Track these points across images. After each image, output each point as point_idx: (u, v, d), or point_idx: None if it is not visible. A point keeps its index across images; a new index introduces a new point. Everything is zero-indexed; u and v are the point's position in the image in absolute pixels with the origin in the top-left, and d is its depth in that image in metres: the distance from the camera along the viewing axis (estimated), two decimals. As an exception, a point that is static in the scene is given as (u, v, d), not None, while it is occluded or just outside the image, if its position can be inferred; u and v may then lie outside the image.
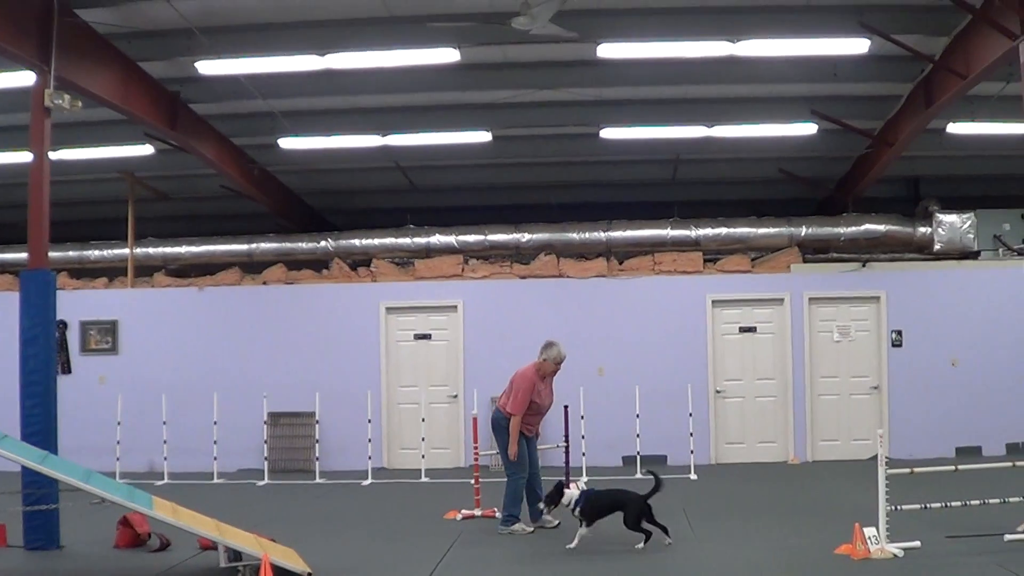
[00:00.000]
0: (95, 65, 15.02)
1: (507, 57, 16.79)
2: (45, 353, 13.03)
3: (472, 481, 15.03)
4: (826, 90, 18.17)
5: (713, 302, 20.68)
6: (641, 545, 11.94)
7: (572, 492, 12.49)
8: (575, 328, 20.26)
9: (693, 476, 18.16)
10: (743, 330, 20.74)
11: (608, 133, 19.88)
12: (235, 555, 10.45)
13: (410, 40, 15.42)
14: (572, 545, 12.15)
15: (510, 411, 13.53)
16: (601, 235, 21.70)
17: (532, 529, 13.47)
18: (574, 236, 21.77)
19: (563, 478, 14.49)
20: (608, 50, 15.72)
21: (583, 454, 18.48)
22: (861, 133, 19.29)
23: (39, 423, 12.71)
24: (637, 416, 18.80)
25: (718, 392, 20.51)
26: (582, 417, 18.48)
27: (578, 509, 12.25)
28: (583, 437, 18.50)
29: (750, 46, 15.47)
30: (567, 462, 16.38)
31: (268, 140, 20.19)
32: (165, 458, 19.34)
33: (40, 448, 11.76)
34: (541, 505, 13.24)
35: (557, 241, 21.78)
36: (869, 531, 11.19)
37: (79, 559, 12.25)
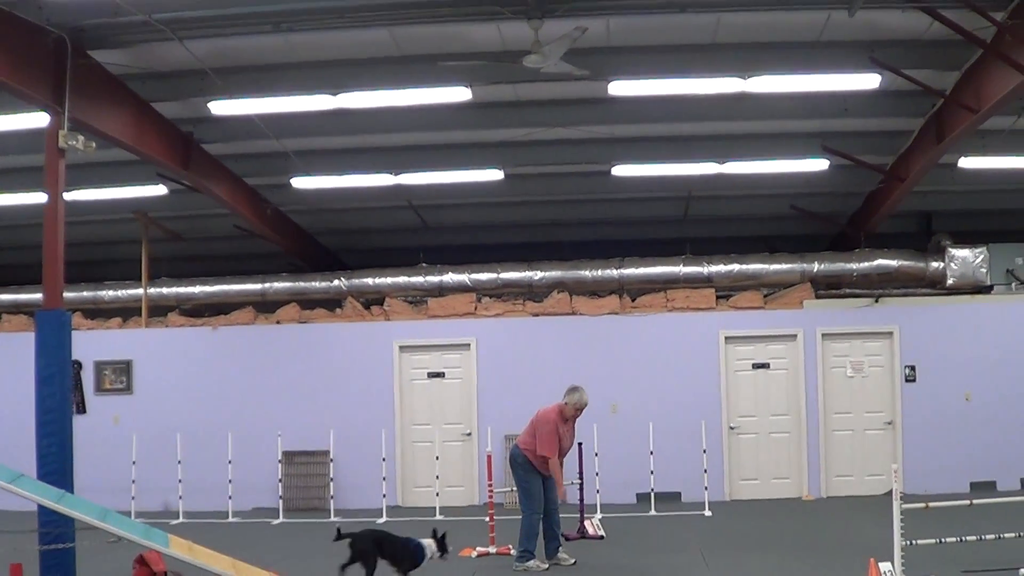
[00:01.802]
0: (108, 106, 15.10)
1: (519, 95, 16.86)
2: (61, 393, 13.06)
3: (487, 519, 15.01)
4: (837, 126, 18.19)
5: (726, 338, 20.68)
6: None
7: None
8: (588, 365, 20.26)
9: (708, 512, 18.12)
10: (756, 366, 20.72)
11: (620, 170, 19.90)
12: (251, 593, 10.46)
13: (422, 79, 15.47)
14: None
15: (543, 454, 13.67)
16: (613, 272, 21.70)
17: (547, 566, 13.48)
18: (586, 274, 21.76)
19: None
20: (619, 87, 15.77)
21: (597, 491, 18.45)
22: (873, 168, 19.30)
23: (55, 462, 12.72)
24: (651, 453, 18.77)
25: (732, 428, 20.47)
26: (596, 454, 18.46)
27: None
28: (597, 474, 18.49)
29: (761, 82, 15.51)
30: (581, 499, 16.40)
31: (281, 180, 20.24)
32: (180, 497, 19.35)
33: (56, 487, 11.78)
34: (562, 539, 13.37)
35: (569, 279, 21.78)
36: (884, 566, 11.16)
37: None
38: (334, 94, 15.80)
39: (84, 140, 13.75)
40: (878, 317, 20.64)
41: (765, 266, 21.39)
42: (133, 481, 19.25)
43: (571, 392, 14.04)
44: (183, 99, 16.50)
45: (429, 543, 12.27)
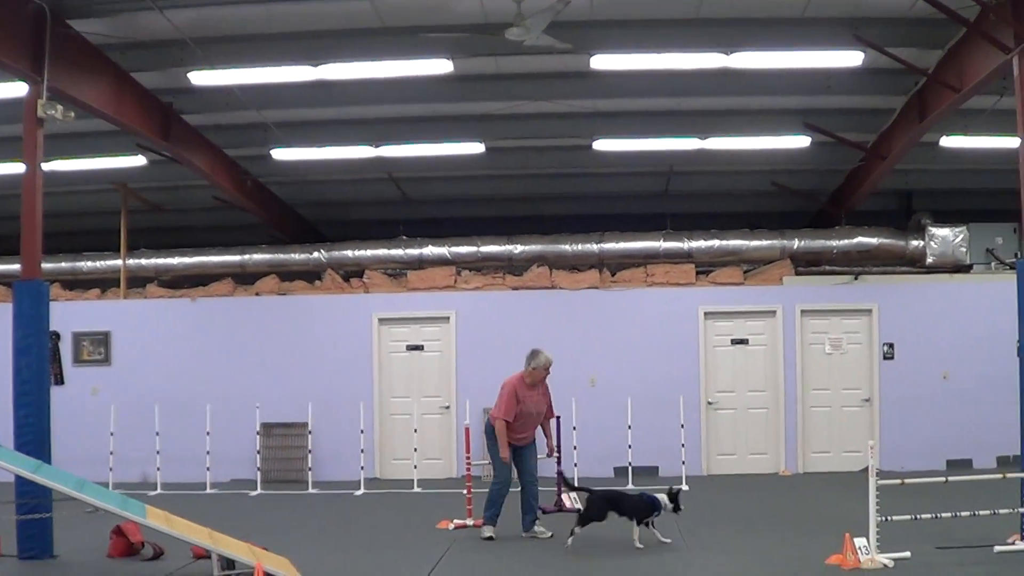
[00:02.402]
0: (88, 76, 14.99)
1: (500, 68, 16.81)
2: (38, 364, 13.02)
3: (464, 491, 15.02)
4: (819, 103, 18.21)
5: (705, 314, 20.69)
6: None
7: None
8: (567, 339, 20.25)
9: (685, 487, 18.13)
10: (735, 342, 20.75)
11: (601, 145, 19.89)
12: (228, 564, 10.45)
13: (403, 51, 15.40)
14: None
15: (494, 415, 13.77)
16: (594, 247, 21.71)
17: (492, 535, 13.66)
18: (567, 248, 21.77)
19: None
20: (602, 62, 15.73)
21: (575, 465, 18.46)
22: (854, 146, 19.33)
23: (32, 433, 12.69)
24: (629, 427, 18.83)
25: (710, 404, 20.52)
26: (574, 428, 18.48)
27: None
28: (575, 448, 18.51)
29: (744, 58, 15.51)
30: (559, 472, 16.39)
31: (261, 151, 20.17)
32: (158, 468, 19.33)
33: (34, 458, 11.75)
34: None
35: (550, 252, 21.78)
36: (859, 541, 11.24)
37: (73, 568, 12.24)
38: (315, 65, 15.74)
39: (63, 110, 13.67)
40: (857, 295, 20.69)
41: (745, 242, 21.42)
42: (111, 452, 19.20)
43: (533, 357, 14.05)
44: (163, 69, 16.40)
45: (663, 498, 13.04)
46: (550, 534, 13.62)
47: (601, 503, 12.90)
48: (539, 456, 14.41)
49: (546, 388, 14.34)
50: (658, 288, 21.00)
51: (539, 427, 14.41)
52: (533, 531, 13.75)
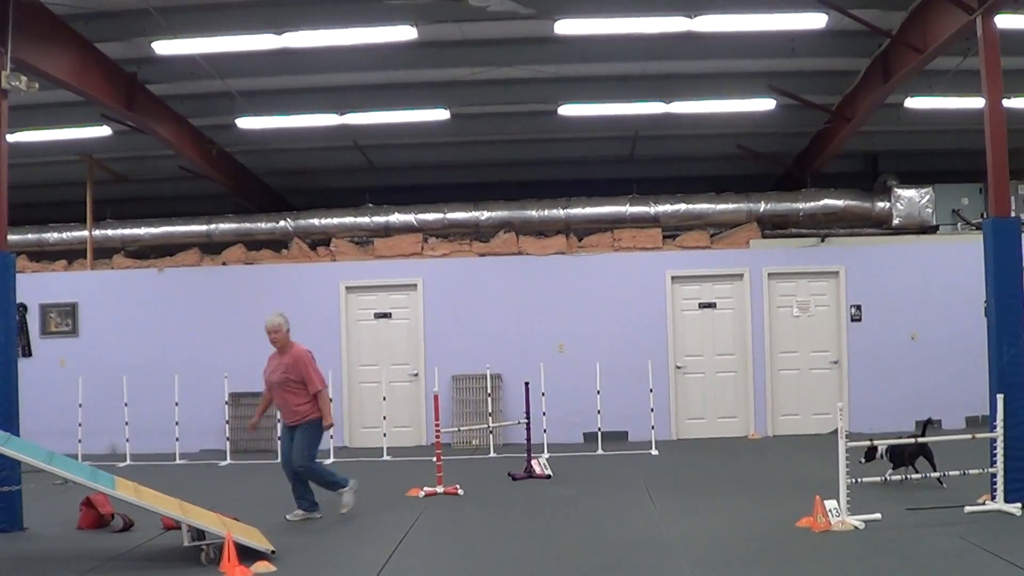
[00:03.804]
0: (51, 46, 14.91)
1: (464, 34, 16.75)
2: (4, 336, 12.95)
3: (434, 459, 15.03)
4: (784, 65, 18.21)
5: (673, 278, 20.74)
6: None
7: (881, 446, 13.98)
8: (535, 305, 20.39)
9: (654, 452, 18.25)
10: (703, 306, 20.82)
11: (566, 110, 19.85)
12: (199, 534, 10.46)
13: (367, 18, 15.36)
14: None
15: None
16: (560, 212, 21.73)
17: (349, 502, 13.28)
18: (533, 214, 21.79)
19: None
20: (566, 26, 15.70)
21: (544, 431, 18.56)
22: (819, 108, 19.37)
23: (0, 406, 12.64)
24: (598, 392, 18.89)
25: (678, 368, 20.59)
26: (543, 394, 18.59)
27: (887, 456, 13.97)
28: (544, 414, 18.60)
29: (708, 21, 15.50)
30: (528, 439, 16.46)
31: (226, 120, 20.06)
32: (127, 440, 19.30)
33: (1, 431, 11.71)
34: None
35: (516, 219, 21.80)
36: (830, 504, 11.31)
37: (42, 541, 12.21)
38: (279, 33, 15.67)
39: (27, 81, 13.57)
40: (824, 257, 20.77)
41: (712, 206, 21.48)
42: (79, 424, 19.19)
43: None
44: (127, 39, 16.31)
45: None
46: (303, 516, 13.07)
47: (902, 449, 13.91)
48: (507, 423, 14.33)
49: (293, 358, 13.47)
50: (625, 253, 21.04)
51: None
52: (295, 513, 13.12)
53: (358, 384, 20.99)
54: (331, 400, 13.83)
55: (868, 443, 13.55)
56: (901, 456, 13.69)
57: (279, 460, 13.61)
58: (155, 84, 18.25)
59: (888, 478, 12.91)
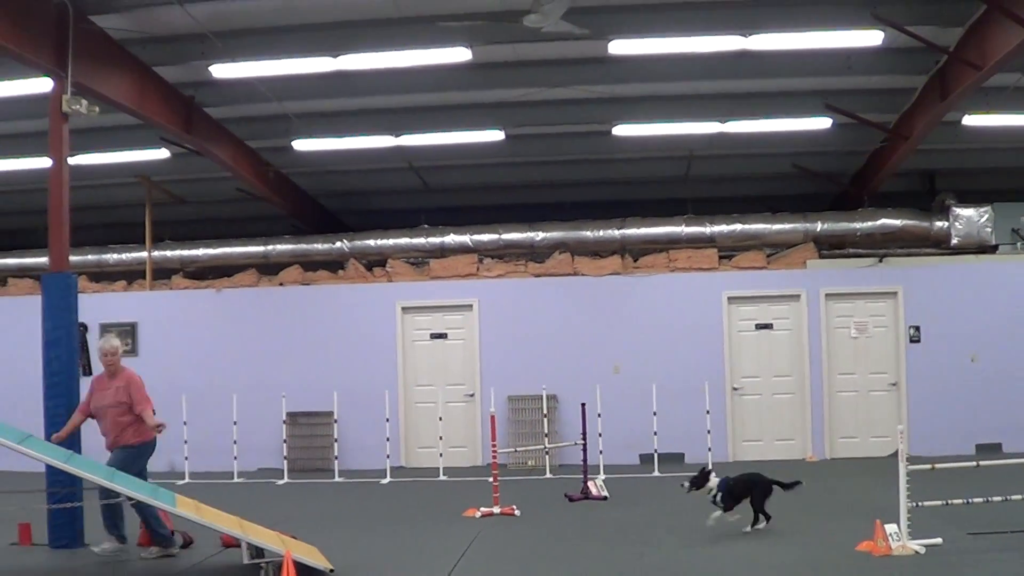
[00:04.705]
0: (111, 70, 15.11)
1: (519, 55, 16.80)
2: (68, 355, 13.15)
3: (490, 479, 15.02)
4: (840, 84, 18.11)
5: (729, 299, 20.66)
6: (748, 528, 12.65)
7: (714, 480, 12.89)
8: (590, 326, 20.38)
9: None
10: (759, 327, 20.72)
11: (621, 130, 19.89)
12: (258, 552, 10.50)
13: (421, 40, 15.46)
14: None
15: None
16: (615, 232, 21.71)
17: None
18: (588, 234, 21.77)
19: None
20: (620, 46, 15.73)
21: (600, 452, 18.45)
22: (876, 127, 19.27)
23: (62, 423, 12.76)
24: (654, 414, 18.79)
25: (735, 389, 20.49)
26: (599, 415, 18.47)
27: (720, 496, 12.77)
28: (600, 435, 18.49)
29: (762, 40, 15.49)
30: (585, 460, 16.42)
31: (282, 142, 20.25)
32: (186, 458, 19.43)
33: (64, 448, 11.84)
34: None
35: (571, 239, 21.79)
36: (890, 528, 11.17)
37: (104, 556, 12.30)
38: (334, 56, 15.81)
39: (88, 104, 13.79)
40: (882, 277, 20.61)
41: (768, 226, 21.38)
42: (139, 442, 19.30)
43: None
44: (184, 63, 16.50)
45: None
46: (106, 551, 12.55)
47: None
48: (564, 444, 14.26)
49: (126, 381, 12.74)
50: (681, 273, 20.99)
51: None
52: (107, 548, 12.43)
53: (414, 404, 21.03)
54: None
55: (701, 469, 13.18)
56: (730, 493, 12.79)
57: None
58: (212, 107, 18.45)
59: (716, 520, 12.65)
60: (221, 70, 16.33)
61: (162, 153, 20.45)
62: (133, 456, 12.43)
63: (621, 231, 21.70)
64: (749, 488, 12.86)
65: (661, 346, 20.44)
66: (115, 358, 12.78)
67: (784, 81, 18.05)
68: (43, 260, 21.21)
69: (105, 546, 12.25)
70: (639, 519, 13.83)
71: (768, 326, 20.71)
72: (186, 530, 12.47)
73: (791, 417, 20.53)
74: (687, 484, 12.90)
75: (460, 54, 15.84)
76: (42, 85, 14.54)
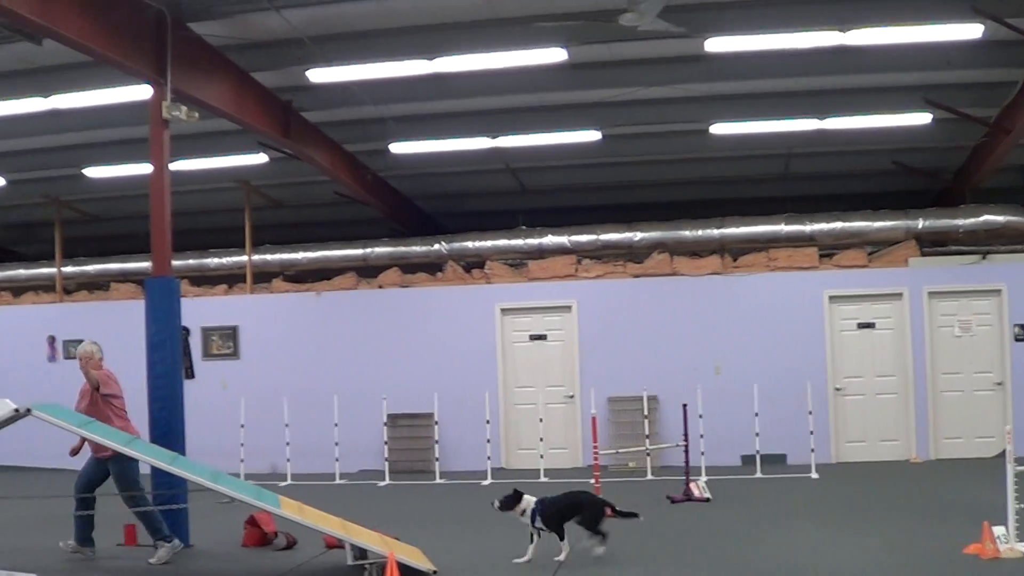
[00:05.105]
0: (209, 76, 15.29)
1: (614, 55, 16.73)
2: (171, 358, 13.30)
3: (592, 480, 14.98)
4: (939, 78, 17.83)
5: (830, 298, 20.43)
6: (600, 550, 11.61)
7: (528, 500, 11.79)
8: (690, 326, 20.28)
9: (814, 475, 17.97)
10: (861, 326, 20.47)
11: (718, 129, 19.77)
12: (361, 553, 10.57)
13: (517, 41, 15.45)
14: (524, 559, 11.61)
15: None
16: (714, 232, 21.58)
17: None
18: (687, 233, 21.66)
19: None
20: (716, 44, 15.59)
21: (702, 453, 18.31)
22: (977, 121, 18.96)
23: (167, 426, 12.98)
24: (756, 415, 18.60)
25: (837, 390, 20.26)
26: (700, 416, 18.32)
27: (539, 520, 11.68)
28: (702, 436, 18.35)
29: (860, 35, 15.27)
30: (687, 461, 16.32)
31: (379, 146, 20.39)
32: (288, 460, 19.64)
33: (169, 450, 12.01)
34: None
35: (670, 239, 21.68)
36: (998, 530, 10.95)
37: (208, 558, 12.49)
38: (430, 59, 15.86)
39: (187, 111, 13.97)
40: (986, 275, 20.26)
41: (868, 223, 21.10)
42: (242, 444, 19.54)
43: None
44: (281, 68, 16.66)
45: None
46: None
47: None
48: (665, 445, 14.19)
49: (91, 386, 12.50)
50: (781, 272, 20.80)
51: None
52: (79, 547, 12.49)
53: (514, 406, 21.08)
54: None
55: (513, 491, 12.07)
56: (547, 516, 11.70)
57: (74, 484, 12.49)
58: (309, 111, 18.61)
59: (532, 553, 11.63)
60: (318, 74, 16.47)
61: (261, 158, 20.68)
62: (126, 460, 11.96)
63: (720, 230, 21.56)
64: (572, 511, 11.76)
65: (762, 346, 20.27)
66: (86, 363, 12.46)
67: (883, 76, 17.80)
68: (144, 265, 21.57)
69: (160, 554, 12.10)
70: (743, 521, 13.71)
71: (870, 325, 20.44)
72: (289, 531, 12.59)
73: (895, 417, 20.24)
74: (497, 503, 11.85)
75: (556, 54, 15.81)
76: (142, 92, 14.73)
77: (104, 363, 12.71)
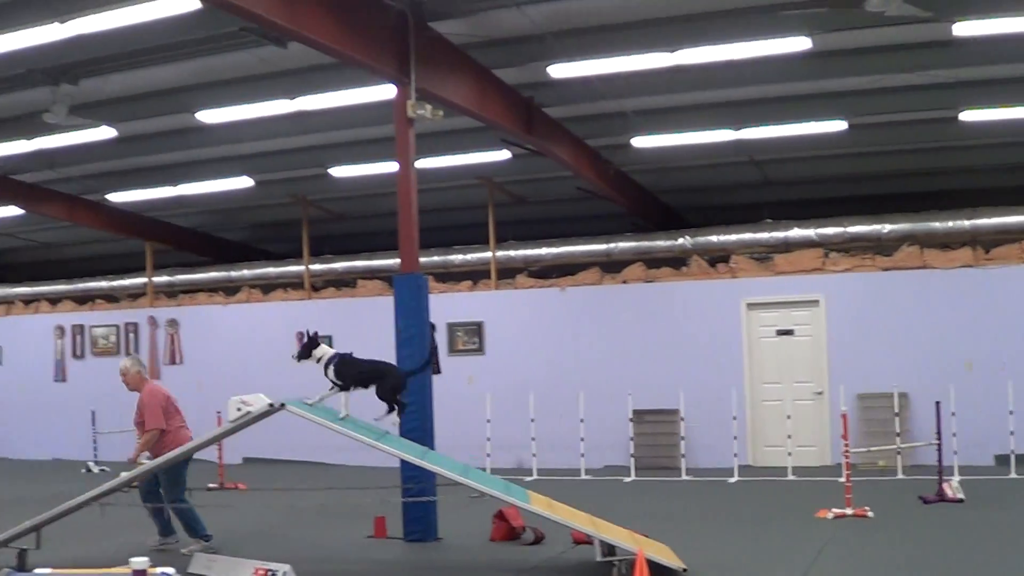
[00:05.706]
0: (452, 75, 15.49)
1: (860, 42, 16.29)
2: (420, 353, 13.51)
3: (842, 479, 14.64)
4: None
5: (1092, 290, 19.56)
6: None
7: (325, 349, 11.31)
8: (941, 321, 19.68)
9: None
10: None
11: (968, 116, 19.09)
12: (610, 550, 10.52)
13: (759, 31, 15.18)
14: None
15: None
16: (965, 223, 20.83)
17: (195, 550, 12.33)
18: (936, 225, 20.99)
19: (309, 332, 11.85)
20: (965, 28, 15.00)
21: (955, 452, 17.70)
22: None
23: (416, 420, 13.19)
24: (1010, 412, 17.99)
25: (1100, 384, 19.40)
26: (953, 414, 17.69)
27: (331, 370, 11.15)
28: (954, 435, 17.72)
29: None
30: (940, 460, 15.85)
31: (621, 140, 20.33)
32: (534, 455, 19.78)
33: (419, 444, 12.23)
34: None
35: (919, 231, 21.07)
36: None
37: (457, 551, 12.69)
38: (672, 51, 15.71)
39: (432, 109, 14.19)
40: None
41: None
42: (488, 439, 19.77)
43: None
44: (522, 64, 16.76)
45: None
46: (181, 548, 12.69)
47: None
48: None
49: (140, 398, 13.14)
50: (1037, 263, 20.01)
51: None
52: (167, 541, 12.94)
53: (760, 402, 20.83)
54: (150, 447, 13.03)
55: None
56: (342, 374, 11.13)
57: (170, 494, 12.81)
58: (551, 107, 18.66)
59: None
60: (559, 70, 16.49)
61: (503, 154, 20.87)
62: (174, 466, 12.35)
63: (971, 221, 20.80)
64: (375, 377, 11.21)
65: (1016, 341, 19.47)
66: (126, 378, 13.17)
67: None
68: (389, 262, 22.06)
69: (192, 547, 12.37)
70: (1000, 524, 13.23)
71: None
72: (536, 526, 12.67)
73: None
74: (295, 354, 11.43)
75: (800, 43, 15.47)
76: (385, 92, 15.03)
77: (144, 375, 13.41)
